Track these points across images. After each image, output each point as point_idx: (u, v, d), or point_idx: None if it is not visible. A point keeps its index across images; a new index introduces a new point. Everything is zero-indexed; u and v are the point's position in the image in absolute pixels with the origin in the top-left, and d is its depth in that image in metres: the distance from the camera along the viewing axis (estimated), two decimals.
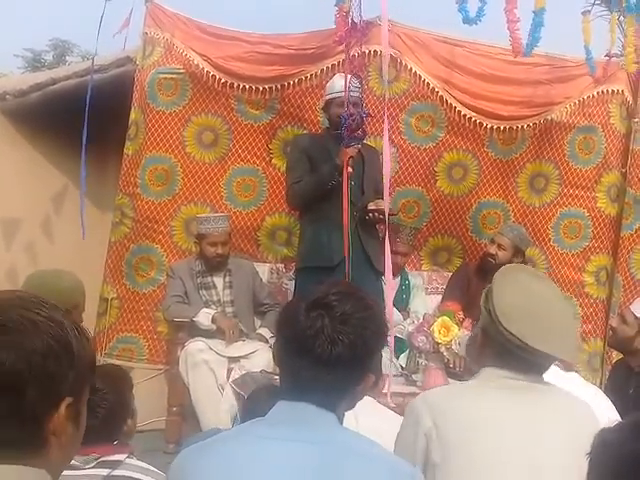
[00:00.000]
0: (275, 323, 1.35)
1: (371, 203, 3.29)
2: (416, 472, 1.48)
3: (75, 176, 4.88)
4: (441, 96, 4.37)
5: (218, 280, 4.02)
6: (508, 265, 1.82)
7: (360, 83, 3.62)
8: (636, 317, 3.21)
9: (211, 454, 1.25)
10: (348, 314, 1.25)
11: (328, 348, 1.23)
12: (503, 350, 1.60)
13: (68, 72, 4.76)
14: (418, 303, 4.32)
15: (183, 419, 3.82)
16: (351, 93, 3.50)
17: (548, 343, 1.58)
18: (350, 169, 3.54)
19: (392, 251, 4.05)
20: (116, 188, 4.31)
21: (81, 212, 3.96)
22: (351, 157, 3.57)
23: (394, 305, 4.17)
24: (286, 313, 1.32)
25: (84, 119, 3.60)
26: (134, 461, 1.82)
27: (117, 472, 1.75)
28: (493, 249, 4.13)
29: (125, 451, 1.84)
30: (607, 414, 2.24)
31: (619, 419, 2.35)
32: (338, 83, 3.68)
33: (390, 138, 4.38)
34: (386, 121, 3.06)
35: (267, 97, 4.23)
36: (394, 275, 4.22)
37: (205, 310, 3.84)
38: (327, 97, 3.81)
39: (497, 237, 4.18)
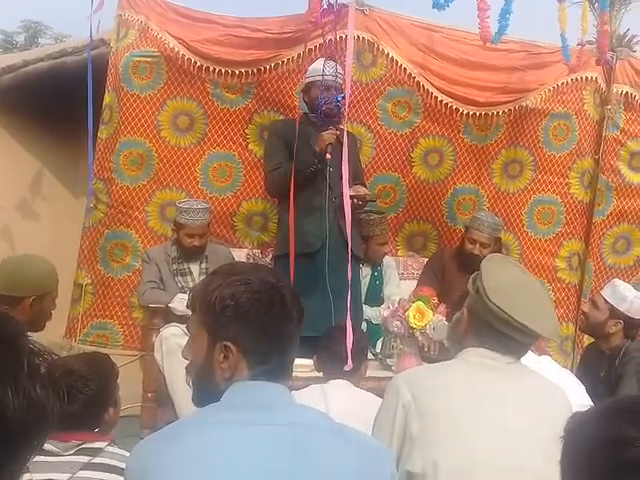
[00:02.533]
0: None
1: (350, 189, 3.29)
2: (390, 452, 1.50)
3: (49, 159, 4.83)
4: (418, 82, 4.37)
5: (194, 267, 4.00)
6: (495, 254, 1.88)
7: (337, 68, 3.61)
8: (606, 302, 3.26)
9: (173, 444, 1.19)
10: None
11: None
12: (487, 328, 1.65)
13: (41, 54, 4.69)
14: (392, 286, 4.33)
15: (158, 405, 3.81)
16: (329, 77, 3.50)
17: (532, 319, 1.63)
18: (329, 156, 3.55)
19: (379, 244, 4.19)
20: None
21: (89, 191, 3.97)
22: (329, 144, 3.57)
23: (368, 295, 4.21)
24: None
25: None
26: (115, 449, 1.81)
27: (97, 460, 1.75)
28: (477, 250, 4.07)
29: (106, 439, 1.83)
30: (578, 397, 2.30)
31: (590, 402, 2.41)
32: (320, 67, 3.67)
33: (367, 124, 4.41)
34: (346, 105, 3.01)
35: (243, 81, 4.20)
36: (377, 264, 4.30)
37: (180, 296, 3.82)
38: (307, 79, 3.79)
39: (476, 235, 4.11)
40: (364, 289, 4.17)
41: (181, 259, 3.99)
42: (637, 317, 3.24)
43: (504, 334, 1.63)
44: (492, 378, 1.64)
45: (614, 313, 3.25)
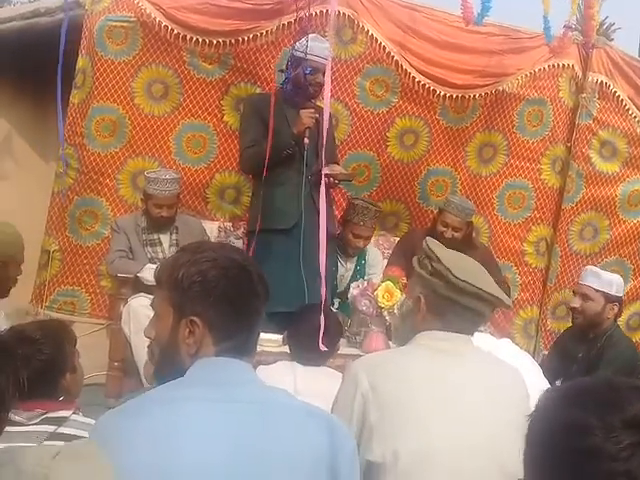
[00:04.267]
0: None
1: (325, 168, 3.30)
2: (350, 432, 1.52)
3: (19, 121, 4.71)
4: (396, 61, 4.36)
5: (164, 237, 3.98)
6: (429, 238, 1.90)
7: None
8: (598, 290, 3.36)
9: (137, 419, 1.19)
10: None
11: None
12: (452, 306, 1.67)
13: (12, 13, 4.55)
14: (374, 278, 4.07)
15: (124, 374, 3.81)
16: (318, 59, 3.48)
17: (494, 289, 1.68)
18: (307, 140, 3.53)
19: (355, 235, 4.09)
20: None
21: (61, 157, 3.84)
22: (308, 127, 3.55)
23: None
24: None
25: (40, 64, 3.44)
26: (80, 417, 1.80)
27: (63, 429, 1.73)
28: (449, 233, 4.06)
29: (70, 407, 1.81)
30: (535, 379, 2.35)
31: (546, 384, 2.47)
32: (317, 46, 3.57)
33: (343, 101, 4.40)
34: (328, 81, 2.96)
35: (220, 51, 4.14)
36: (353, 256, 4.20)
37: (150, 266, 3.80)
38: (297, 54, 3.65)
39: (449, 218, 4.09)
40: (346, 282, 4.06)
41: (151, 229, 3.96)
42: (621, 295, 3.46)
43: (469, 308, 1.67)
44: (448, 363, 1.66)
45: (609, 298, 3.40)
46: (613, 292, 3.42)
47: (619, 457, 0.82)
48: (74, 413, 1.80)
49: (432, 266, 1.70)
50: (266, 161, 3.33)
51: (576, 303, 3.45)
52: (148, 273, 3.77)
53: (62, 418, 1.76)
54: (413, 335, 1.73)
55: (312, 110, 3.60)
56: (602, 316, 3.40)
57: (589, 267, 3.69)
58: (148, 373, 2.47)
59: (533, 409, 0.96)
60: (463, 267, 1.69)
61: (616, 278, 3.52)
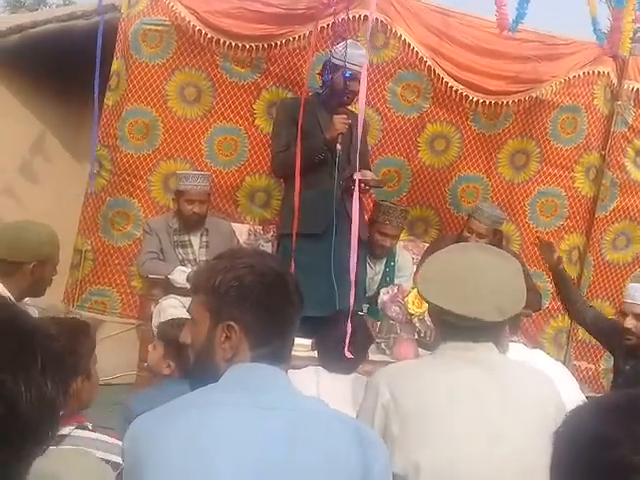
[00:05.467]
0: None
1: (357, 173, 3.31)
2: (379, 436, 1.51)
3: (54, 122, 4.80)
4: (429, 66, 4.34)
5: (195, 239, 4.00)
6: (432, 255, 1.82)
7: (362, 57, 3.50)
8: None
9: (168, 424, 1.19)
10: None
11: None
12: (442, 324, 1.64)
13: (49, 16, 4.65)
14: (404, 282, 4.00)
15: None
16: (355, 67, 3.47)
17: (470, 306, 1.57)
18: (339, 146, 3.53)
19: (381, 233, 4.06)
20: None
21: (92, 166, 3.86)
22: (341, 133, 3.54)
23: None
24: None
25: (94, 65, 3.47)
26: (83, 432, 1.66)
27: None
28: (473, 239, 3.94)
29: (73, 421, 1.66)
30: (570, 390, 2.31)
31: (582, 396, 2.43)
32: (354, 53, 3.53)
33: (375, 106, 4.39)
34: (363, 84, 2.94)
35: (253, 56, 4.16)
36: (381, 258, 4.15)
37: (180, 268, 3.82)
38: (336, 61, 3.62)
39: (475, 225, 4.00)
40: (376, 286, 4.03)
41: (182, 231, 3.98)
42: None
43: (457, 325, 1.60)
44: (475, 375, 1.60)
45: None
46: None
47: None
48: (79, 427, 1.65)
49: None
50: (298, 166, 3.33)
51: (630, 324, 3.26)
52: (178, 275, 3.79)
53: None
54: (436, 344, 1.70)
55: (345, 116, 3.60)
56: None
57: (632, 285, 3.58)
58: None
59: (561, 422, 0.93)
60: (438, 285, 1.60)
61: None
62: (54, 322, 1.78)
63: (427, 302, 1.63)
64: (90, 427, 1.70)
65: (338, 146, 3.54)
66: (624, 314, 3.36)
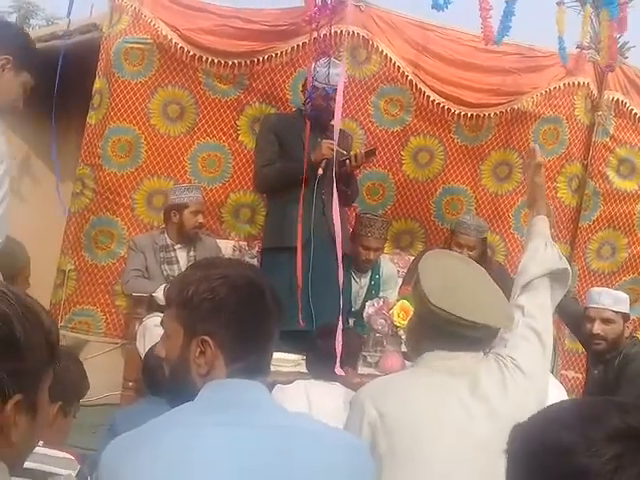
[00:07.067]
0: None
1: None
2: (367, 447, 1.48)
3: (37, 144, 4.76)
4: (411, 80, 4.37)
5: (182, 255, 3.98)
6: (430, 251, 1.83)
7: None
8: (616, 311, 3.31)
9: (148, 443, 1.15)
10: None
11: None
12: (438, 332, 1.60)
13: (32, 36, 4.62)
14: (390, 294, 4.03)
15: (139, 394, 3.79)
16: (332, 83, 3.48)
17: (479, 313, 1.57)
18: (321, 171, 3.53)
19: (364, 247, 4.02)
20: (77, 158, 4.22)
21: (57, 186, 3.82)
22: (325, 158, 3.54)
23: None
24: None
25: (54, 85, 3.47)
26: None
27: None
28: (464, 253, 3.84)
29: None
30: (559, 399, 2.30)
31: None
32: (332, 72, 3.56)
33: (358, 119, 4.41)
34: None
35: (236, 72, 4.18)
36: (365, 271, 4.12)
37: (165, 285, 3.80)
38: (318, 84, 3.62)
39: (463, 239, 3.99)
40: (361, 300, 4.01)
41: (169, 247, 3.95)
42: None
43: (456, 334, 1.58)
44: (459, 386, 1.58)
45: (626, 317, 3.37)
46: (627, 310, 3.38)
47: (603, 471, 0.79)
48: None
49: (416, 288, 1.63)
50: (278, 183, 3.33)
51: (599, 329, 3.27)
52: (163, 293, 3.76)
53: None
54: (418, 353, 1.67)
55: (332, 142, 3.57)
56: (622, 337, 3.33)
57: (597, 289, 3.59)
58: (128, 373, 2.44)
59: (513, 434, 0.92)
60: (446, 291, 1.59)
61: (623, 294, 3.48)
62: None
63: (439, 310, 1.56)
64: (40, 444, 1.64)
65: (320, 171, 3.54)
66: (591, 319, 3.34)
